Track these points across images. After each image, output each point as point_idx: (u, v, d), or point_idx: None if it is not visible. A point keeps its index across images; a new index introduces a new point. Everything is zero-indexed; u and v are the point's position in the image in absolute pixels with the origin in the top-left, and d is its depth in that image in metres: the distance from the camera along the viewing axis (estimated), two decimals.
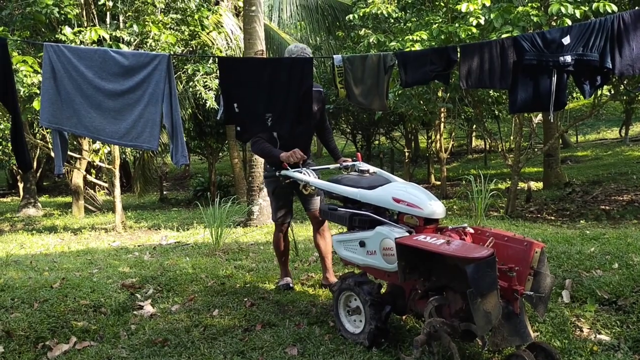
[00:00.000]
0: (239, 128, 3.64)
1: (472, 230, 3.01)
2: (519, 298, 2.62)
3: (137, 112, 3.26)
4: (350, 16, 9.17)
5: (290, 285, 4.50)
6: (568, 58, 3.20)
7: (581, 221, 8.06)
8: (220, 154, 18.95)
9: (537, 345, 2.73)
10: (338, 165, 4.21)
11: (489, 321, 2.44)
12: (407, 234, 2.98)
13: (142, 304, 4.31)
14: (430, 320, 2.73)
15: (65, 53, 3.25)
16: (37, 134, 11.66)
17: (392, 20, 9.10)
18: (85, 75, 3.24)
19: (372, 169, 3.74)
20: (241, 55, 10.41)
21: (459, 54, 3.40)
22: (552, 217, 8.63)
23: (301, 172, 3.80)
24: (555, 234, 6.03)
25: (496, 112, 12.89)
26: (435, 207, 3.02)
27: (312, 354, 3.19)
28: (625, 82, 7.77)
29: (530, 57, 3.26)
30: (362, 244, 3.20)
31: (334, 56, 3.50)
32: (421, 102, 9.39)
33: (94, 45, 7.89)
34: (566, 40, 3.18)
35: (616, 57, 3.21)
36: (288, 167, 3.84)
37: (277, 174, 3.87)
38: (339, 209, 3.44)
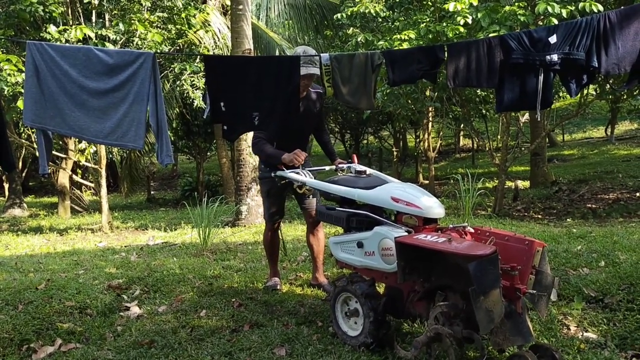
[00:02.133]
0: (225, 127, 3.61)
1: (472, 230, 2.98)
2: (521, 297, 2.60)
3: (122, 111, 3.22)
4: (338, 15, 9.16)
5: (278, 287, 4.46)
6: (554, 57, 3.21)
7: (568, 219, 8.12)
8: (209, 153, 18.88)
9: (540, 346, 2.71)
10: (334, 166, 4.18)
11: (491, 320, 2.42)
12: (406, 233, 2.93)
13: (129, 305, 4.26)
14: (435, 326, 2.67)
15: (48, 51, 3.20)
16: (23, 134, 11.53)
17: (380, 20, 9.10)
18: (69, 74, 3.19)
19: (368, 170, 3.71)
20: (229, 54, 10.36)
21: (446, 52, 3.40)
22: (539, 216, 8.68)
23: (298, 173, 3.76)
24: (543, 232, 6.06)
25: (484, 112, 12.94)
26: (434, 207, 3.00)
27: (300, 354, 3.17)
28: (611, 81, 7.83)
29: (517, 56, 3.26)
30: (359, 244, 3.14)
31: (322, 55, 3.48)
32: (409, 101, 9.40)
33: (79, 44, 7.81)
34: (553, 39, 3.19)
35: (602, 56, 3.22)
36: (284, 168, 3.81)
37: (272, 175, 3.83)
38: (336, 209, 3.41)
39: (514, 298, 2.61)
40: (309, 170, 3.87)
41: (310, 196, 4.21)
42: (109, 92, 3.22)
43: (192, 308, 4.10)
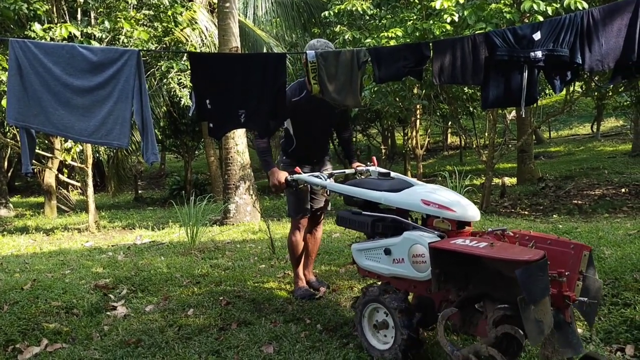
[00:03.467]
0: (211, 125, 3.58)
1: (511, 234, 2.75)
2: (570, 305, 2.40)
3: (106, 109, 3.19)
4: (326, 13, 9.15)
5: (313, 294, 4.17)
6: (539, 53, 3.23)
7: (554, 215, 8.18)
8: (197, 152, 18.80)
9: (591, 357, 2.48)
10: (353, 170, 4.04)
11: (541, 331, 2.21)
12: (439, 238, 2.73)
13: (116, 304, 4.24)
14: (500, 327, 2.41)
15: (31, 49, 3.16)
16: (8, 133, 11.40)
17: (368, 17, 9.11)
18: (53, 72, 3.16)
19: (391, 173, 3.53)
20: (216, 52, 10.31)
21: (431, 50, 3.42)
22: (526, 212, 8.74)
23: (317, 176, 3.62)
24: (529, 228, 6.11)
25: (471, 109, 13.01)
26: (468, 209, 2.81)
27: (288, 351, 3.17)
28: (596, 78, 7.90)
29: (502, 52, 3.28)
30: (387, 251, 2.91)
31: (307, 52, 3.47)
32: (397, 99, 9.41)
33: (64, 42, 7.74)
34: (537, 35, 3.21)
35: (586, 52, 3.25)
36: (301, 172, 3.70)
37: (288, 178, 3.67)
38: (361, 214, 3.18)
39: (563, 307, 2.40)
40: (329, 173, 3.77)
41: (324, 195, 4.06)
42: (93, 89, 3.19)
43: (179, 307, 4.08)
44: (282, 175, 3.73)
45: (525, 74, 3.30)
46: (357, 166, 4.07)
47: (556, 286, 2.38)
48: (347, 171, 4.06)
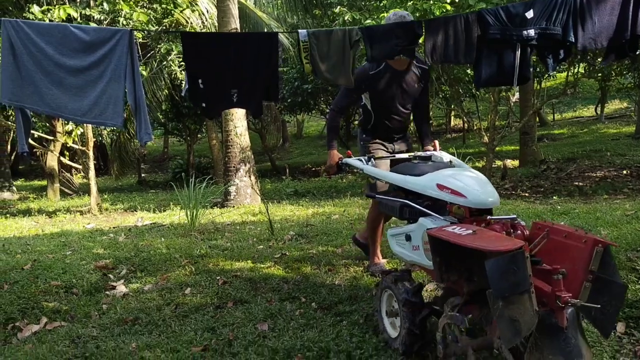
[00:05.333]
0: (204, 104, 3.59)
1: (523, 223, 2.52)
2: (564, 308, 2.06)
3: (99, 89, 3.20)
4: None
5: (384, 268, 4.04)
6: (531, 32, 3.22)
7: (554, 197, 8.19)
8: (199, 135, 18.83)
9: None
10: (413, 154, 3.72)
11: (517, 332, 1.99)
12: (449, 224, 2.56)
13: (115, 284, 4.30)
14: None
15: (24, 29, 3.17)
16: (11, 116, 11.44)
17: None
18: (46, 52, 3.17)
19: (448, 158, 3.30)
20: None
21: (424, 28, 3.41)
22: (526, 194, 8.75)
23: (361, 161, 3.49)
24: (527, 209, 6.13)
25: (473, 91, 12.95)
26: (481, 196, 2.54)
27: (283, 329, 3.21)
28: (599, 59, 7.85)
29: (494, 31, 3.26)
30: (408, 237, 2.77)
31: (299, 31, 3.46)
32: None
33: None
34: (529, 14, 3.19)
35: (579, 31, 3.23)
36: (351, 155, 3.61)
37: (340, 162, 3.58)
38: (390, 198, 3.05)
39: (556, 308, 2.08)
40: (400, 157, 3.61)
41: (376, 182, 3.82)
42: (85, 69, 3.21)
43: (177, 286, 4.13)
44: (335, 158, 3.69)
45: (518, 53, 3.29)
46: (426, 149, 3.83)
47: (552, 283, 2.11)
48: (420, 154, 3.56)
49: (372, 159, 3.51)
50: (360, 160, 3.47)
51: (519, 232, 2.47)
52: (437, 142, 3.87)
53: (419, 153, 3.41)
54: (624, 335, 2.88)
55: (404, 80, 3.76)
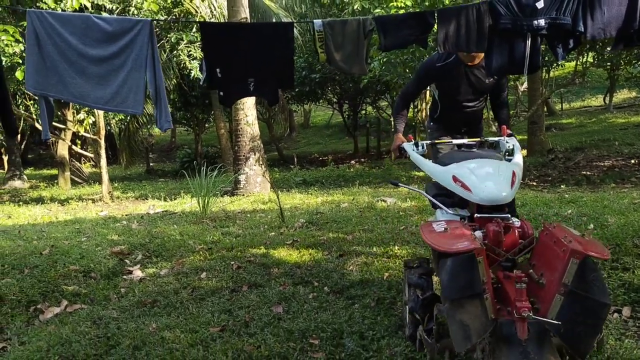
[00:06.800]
0: (221, 93, 3.68)
1: (517, 224, 2.39)
2: (524, 319, 1.91)
3: (121, 78, 3.30)
4: None
5: None
6: (542, 22, 3.27)
7: (562, 186, 8.24)
8: (207, 124, 18.92)
9: None
10: (477, 140, 3.54)
11: (467, 337, 1.93)
12: (457, 218, 2.52)
13: (131, 269, 4.41)
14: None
15: (48, 19, 3.26)
16: (21, 105, 11.56)
17: None
18: (69, 42, 3.26)
19: (512, 145, 3.07)
20: None
21: (436, 18, 3.46)
22: (534, 183, 8.80)
23: (416, 147, 3.33)
24: (535, 197, 6.19)
25: None
26: (488, 192, 2.37)
27: (297, 311, 3.31)
28: (608, 48, 7.86)
29: (505, 21, 3.31)
30: None
31: (314, 21, 3.53)
32: (406, 70, 9.42)
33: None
34: (540, 4, 3.24)
35: (588, 20, 3.28)
36: (412, 140, 3.42)
37: (402, 145, 3.42)
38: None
39: (515, 319, 1.94)
40: (459, 141, 3.41)
41: None
42: (107, 59, 3.30)
43: (192, 271, 4.24)
44: (397, 142, 3.57)
45: (529, 42, 3.34)
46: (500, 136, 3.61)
47: (516, 293, 1.98)
48: (491, 139, 3.42)
49: (423, 146, 3.35)
50: (416, 146, 3.30)
51: (512, 231, 2.35)
52: (505, 127, 3.56)
53: (490, 139, 3.32)
54: (629, 319, 2.96)
55: (472, 75, 3.62)
